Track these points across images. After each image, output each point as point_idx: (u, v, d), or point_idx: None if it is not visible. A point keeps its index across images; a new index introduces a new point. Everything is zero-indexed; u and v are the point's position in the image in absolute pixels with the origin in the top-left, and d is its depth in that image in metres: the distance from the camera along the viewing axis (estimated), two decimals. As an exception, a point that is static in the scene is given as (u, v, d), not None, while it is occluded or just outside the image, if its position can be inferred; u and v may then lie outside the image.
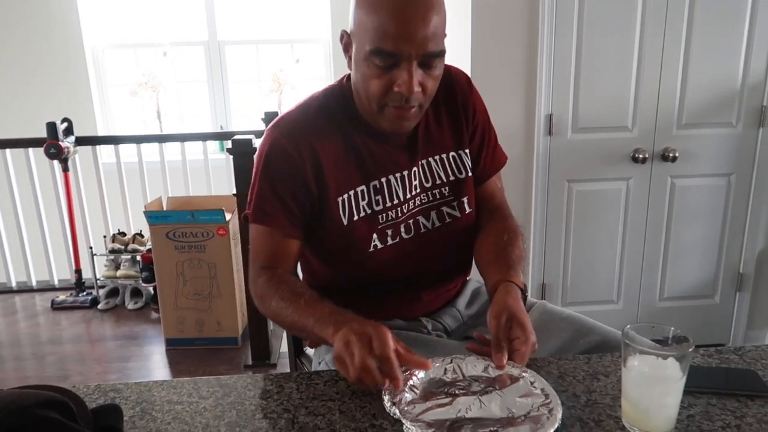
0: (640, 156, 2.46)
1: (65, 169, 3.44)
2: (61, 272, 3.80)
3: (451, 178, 1.16)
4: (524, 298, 1.02)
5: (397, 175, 1.11)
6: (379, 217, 1.10)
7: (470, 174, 1.18)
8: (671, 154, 2.46)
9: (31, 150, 3.49)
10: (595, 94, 2.42)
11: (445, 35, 1.00)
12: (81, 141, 3.47)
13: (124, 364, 2.89)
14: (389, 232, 1.11)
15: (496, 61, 2.38)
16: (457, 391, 0.84)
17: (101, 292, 3.48)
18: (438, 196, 1.15)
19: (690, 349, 0.75)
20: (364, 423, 0.80)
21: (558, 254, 2.61)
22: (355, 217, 1.08)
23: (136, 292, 3.45)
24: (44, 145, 3.26)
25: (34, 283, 3.81)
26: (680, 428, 0.78)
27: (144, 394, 0.89)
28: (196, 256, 2.84)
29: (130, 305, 3.41)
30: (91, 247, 3.50)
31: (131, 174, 3.65)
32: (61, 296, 3.54)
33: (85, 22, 4.43)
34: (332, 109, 1.10)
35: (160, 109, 4.86)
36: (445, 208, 1.16)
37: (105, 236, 3.59)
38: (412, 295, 1.19)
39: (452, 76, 1.17)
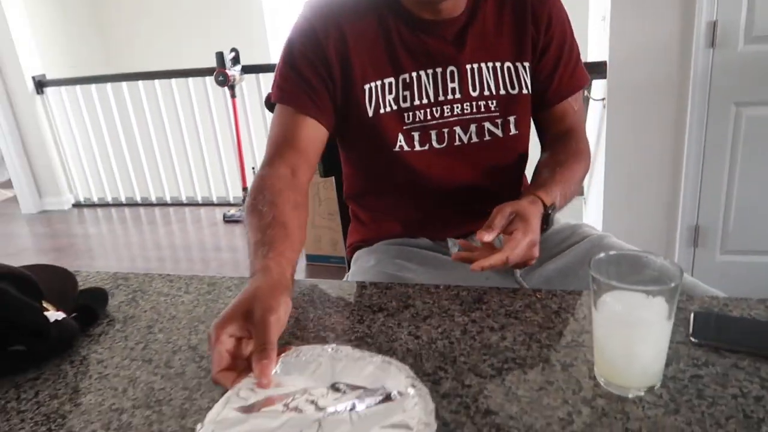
0: (842, 71, 1.93)
1: (233, 96, 3.76)
2: (236, 189, 4.25)
3: (502, 92, 1.02)
4: (546, 216, 0.89)
5: (429, 71, 1.00)
6: (405, 116, 1.01)
7: (526, 91, 1.04)
8: None
9: (207, 78, 3.87)
10: (780, -9, 1.92)
11: None
12: (246, 69, 3.76)
13: (270, 274, 3.18)
14: (416, 135, 1.02)
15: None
16: (299, 405, 0.58)
17: (263, 209, 3.83)
18: (483, 109, 1.03)
19: (673, 284, 0.57)
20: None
21: (718, 193, 2.21)
22: (381, 111, 1.00)
23: (291, 211, 3.72)
24: (214, 74, 3.59)
25: (214, 198, 4.33)
26: (675, 389, 0.61)
27: (144, 284, 0.95)
28: (330, 178, 2.94)
29: (285, 222, 3.70)
30: (253, 168, 3.84)
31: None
32: (232, 210, 3.98)
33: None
34: None
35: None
36: (487, 124, 1.03)
37: (267, 158, 3.91)
38: (441, 211, 1.10)
39: None
